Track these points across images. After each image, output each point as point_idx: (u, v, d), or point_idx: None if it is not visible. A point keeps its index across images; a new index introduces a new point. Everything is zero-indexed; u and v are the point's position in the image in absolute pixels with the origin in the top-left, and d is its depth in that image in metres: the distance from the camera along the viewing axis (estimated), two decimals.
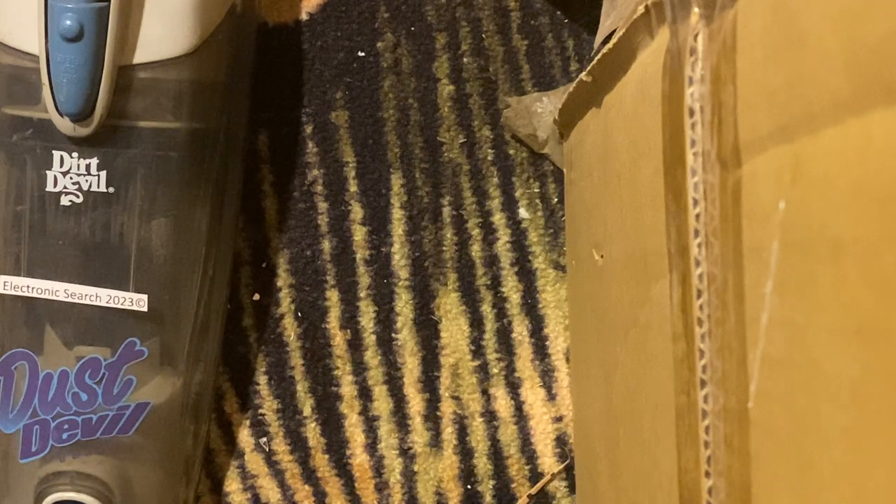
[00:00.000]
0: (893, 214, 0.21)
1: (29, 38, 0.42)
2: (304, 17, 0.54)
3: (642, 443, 0.38)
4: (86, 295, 0.44)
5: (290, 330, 0.52)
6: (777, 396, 0.27)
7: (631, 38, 0.37)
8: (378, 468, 0.52)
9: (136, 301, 0.44)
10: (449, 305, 0.53)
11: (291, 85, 0.53)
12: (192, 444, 0.48)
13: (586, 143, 0.46)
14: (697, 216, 0.30)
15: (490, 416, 0.53)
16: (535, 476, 0.53)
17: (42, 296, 0.44)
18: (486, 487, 0.53)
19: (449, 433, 0.53)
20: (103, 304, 0.44)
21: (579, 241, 0.49)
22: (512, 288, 0.53)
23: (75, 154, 0.43)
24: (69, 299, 0.44)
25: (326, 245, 0.53)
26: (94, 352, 0.45)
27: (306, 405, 0.52)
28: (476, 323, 0.53)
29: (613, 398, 0.42)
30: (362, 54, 0.54)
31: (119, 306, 0.44)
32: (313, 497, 0.52)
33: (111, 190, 0.44)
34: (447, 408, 0.53)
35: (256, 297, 0.52)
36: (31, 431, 0.45)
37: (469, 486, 0.52)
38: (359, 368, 0.52)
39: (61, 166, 0.43)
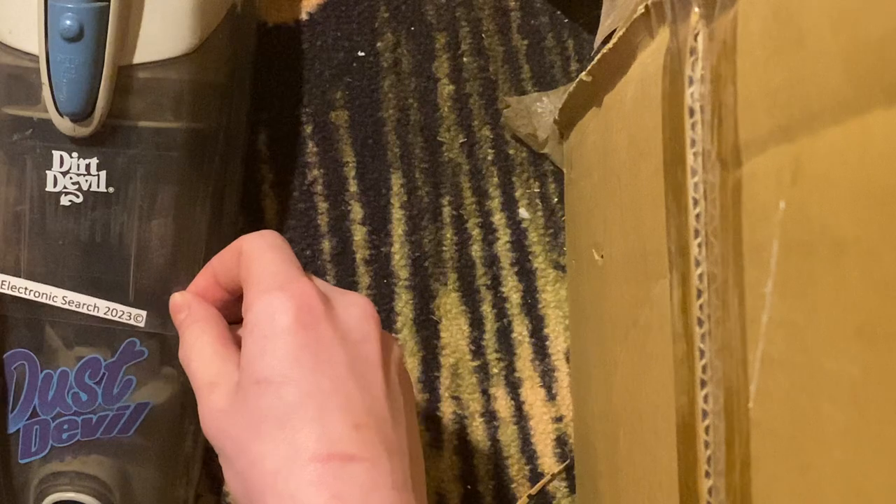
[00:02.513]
0: (893, 214, 0.21)
1: (29, 38, 0.42)
2: (304, 17, 0.54)
3: (642, 443, 0.38)
4: (84, 304, 0.44)
5: None
6: (777, 396, 0.27)
7: (631, 38, 0.37)
8: None
9: (135, 316, 0.44)
10: (449, 305, 0.53)
11: (291, 85, 0.53)
12: (192, 444, 0.48)
13: (586, 142, 0.46)
14: (697, 216, 0.30)
15: (490, 416, 0.53)
16: (535, 476, 0.53)
17: (40, 299, 0.44)
18: (486, 487, 0.53)
19: (449, 433, 0.53)
20: (101, 314, 0.44)
21: (579, 241, 0.49)
22: (512, 288, 0.53)
23: (75, 154, 0.43)
24: (67, 307, 0.44)
25: (326, 245, 0.53)
26: (94, 352, 0.45)
27: None
28: (476, 323, 0.53)
29: (613, 398, 0.42)
30: (362, 54, 0.54)
31: (117, 319, 0.44)
32: None
33: (111, 190, 0.44)
34: (447, 408, 0.53)
35: None
36: (31, 431, 0.45)
37: (469, 486, 0.52)
38: None
39: (61, 166, 0.43)
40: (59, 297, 0.44)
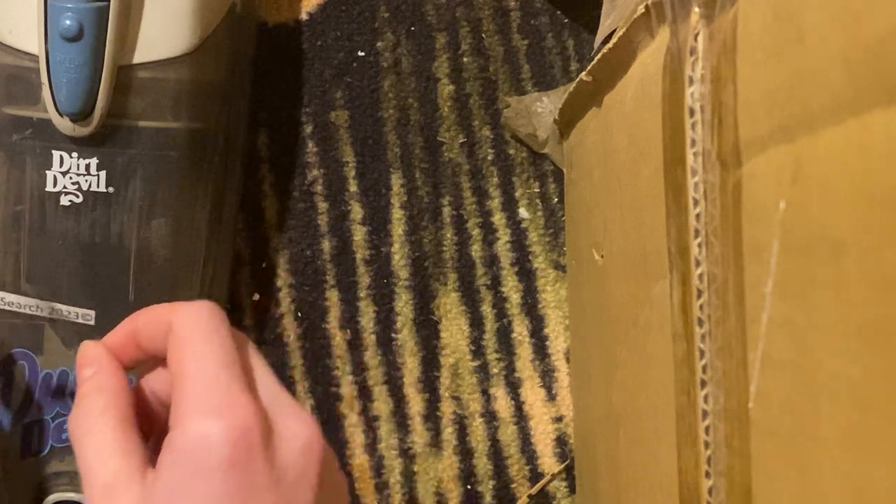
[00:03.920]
0: (893, 214, 0.21)
1: (29, 38, 0.42)
2: (304, 17, 0.54)
3: (642, 443, 0.38)
4: (25, 305, 0.41)
5: (290, 330, 0.52)
6: (777, 396, 0.27)
7: (631, 38, 0.37)
8: (378, 468, 0.52)
9: (83, 315, 0.42)
10: (449, 305, 0.53)
11: (291, 85, 0.53)
12: None
13: (586, 142, 0.46)
14: (697, 216, 0.29)
15: (490, 416, 0.53)
16: (535, 476, 0.53)
17: None
18: (486, 487, 0.53)
19: (449, 433, 0.53)
20: (44, 314, 0.41)
21: (579, 241, 0.49)
22: (512, 288, 0.53)
23: (75, 154, 0.43)
24: (4, 307, 0.41)
25: (326, 245, 0.53)
26: None
27: (306, 405, 0.52)
28: (476, 323, 0.53)
29: (613, 398, 0.42)
30: (362, 54, 0.54)
31: (64, 318, 0.42)
32: None
33: (111, 190, 0.44)
34: (447, 408, 0.53)
35: (256, 297, 0.52)
36: (30, 431, 0.45)
37: (469, 486, 0.52)
38: (359, 368, 0.52)
39: (61, 166, 0.43)
40: None
